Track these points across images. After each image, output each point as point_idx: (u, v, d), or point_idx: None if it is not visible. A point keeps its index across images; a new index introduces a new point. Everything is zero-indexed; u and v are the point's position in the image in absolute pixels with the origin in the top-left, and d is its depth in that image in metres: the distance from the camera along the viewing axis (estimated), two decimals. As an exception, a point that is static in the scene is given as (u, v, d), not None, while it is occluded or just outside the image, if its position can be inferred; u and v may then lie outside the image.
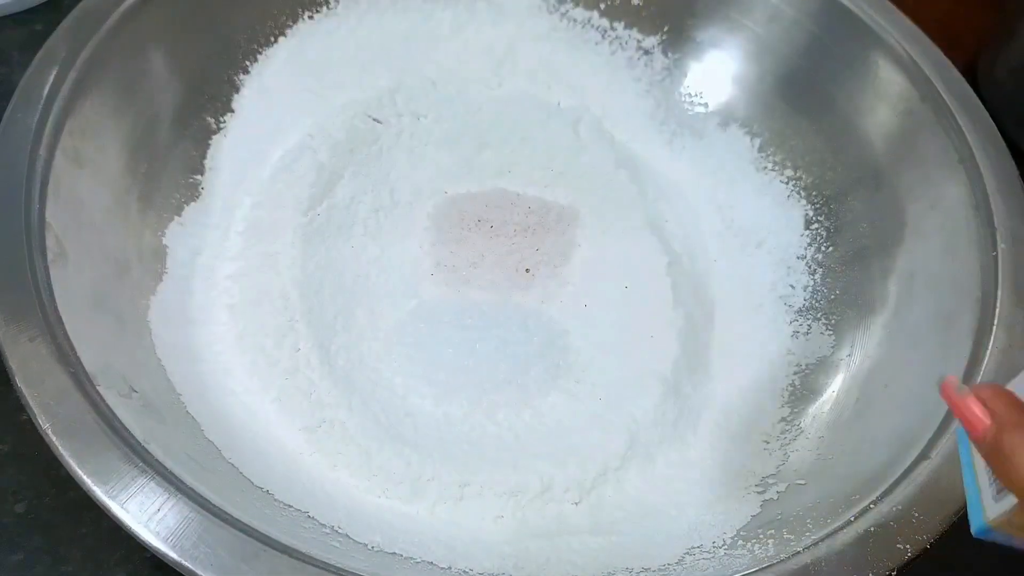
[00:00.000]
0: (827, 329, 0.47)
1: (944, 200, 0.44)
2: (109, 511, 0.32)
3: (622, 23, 0.55)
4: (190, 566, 0.31)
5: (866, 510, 0.35)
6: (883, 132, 0.48)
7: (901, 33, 0.48)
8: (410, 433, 0.42)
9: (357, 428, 0.41)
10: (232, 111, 0.50)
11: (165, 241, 0.45)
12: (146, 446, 0.33)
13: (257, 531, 0.33)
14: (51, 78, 0.42)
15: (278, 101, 0.51)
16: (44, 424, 0.33)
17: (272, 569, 0.32)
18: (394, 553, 0.37)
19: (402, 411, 0.43)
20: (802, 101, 0.52)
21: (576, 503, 0.41)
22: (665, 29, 0.54)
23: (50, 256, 0.37)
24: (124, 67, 0.45)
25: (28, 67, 0.42)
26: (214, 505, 0.33)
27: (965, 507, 0.33)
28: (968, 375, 0.38)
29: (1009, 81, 0.58)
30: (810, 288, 0.49)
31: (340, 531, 0.37)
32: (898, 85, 0.48)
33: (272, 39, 0.52)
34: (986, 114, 0.46)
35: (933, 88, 0.46)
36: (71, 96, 0.42)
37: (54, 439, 0.33)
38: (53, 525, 0.40)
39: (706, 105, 0.55)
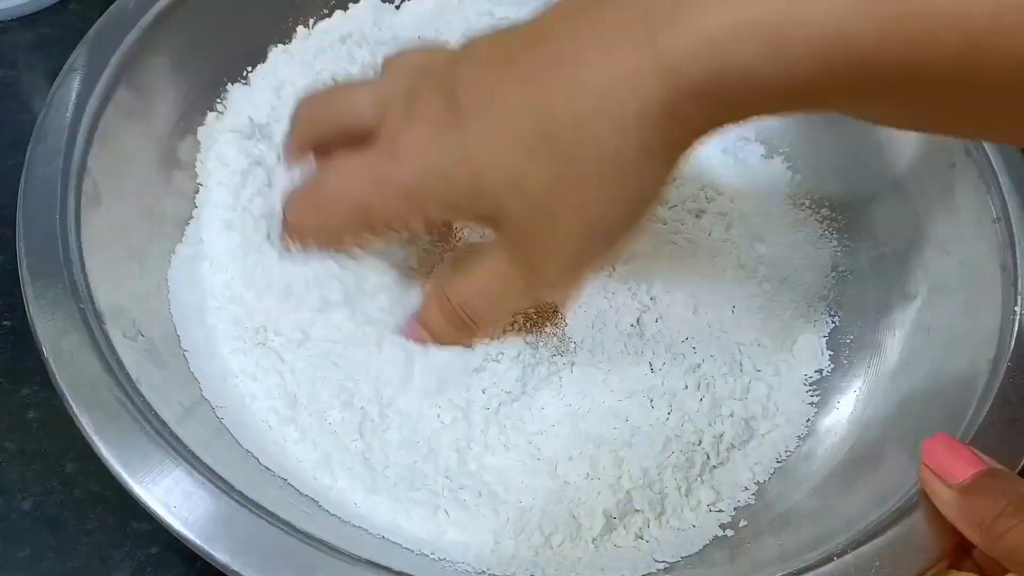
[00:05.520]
0: (836, 370, 0.46)
1: (973, 257, 0.43)
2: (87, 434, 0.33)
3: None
4: (158, 506, 0.33)
5: (829, 558, 0.34)
6: (923, 183, 0.47)
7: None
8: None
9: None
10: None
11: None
12: (137, 385, 0.35)
13: (228, 483, 0.34)
14: (123, 36, 0.44)
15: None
16: (47, 353, 0.35)
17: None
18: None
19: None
20: (849, 144, 0.51)
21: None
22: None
23: (84, 198, 0.40)
24: (189, 28, 0.47)
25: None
26: (194, 456, 0.34)
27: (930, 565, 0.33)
28: (966, 434, 0.37)
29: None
30: (828, 327, 0.48)
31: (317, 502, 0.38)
32: (943, 137, 0.47)
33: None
34: (1027, 172, 0.45)
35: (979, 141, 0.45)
36: (134, 51, 0.44)
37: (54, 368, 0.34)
38: (59, 521, 0.41)
39: (752, 135, 0.54)
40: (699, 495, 0.41)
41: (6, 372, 0.45)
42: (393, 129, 0.36)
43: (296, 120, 0.42)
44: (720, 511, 0.41)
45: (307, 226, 0.40)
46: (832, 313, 0.49)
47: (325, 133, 0.41)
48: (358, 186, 0.37)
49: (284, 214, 0.41)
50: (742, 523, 0.41)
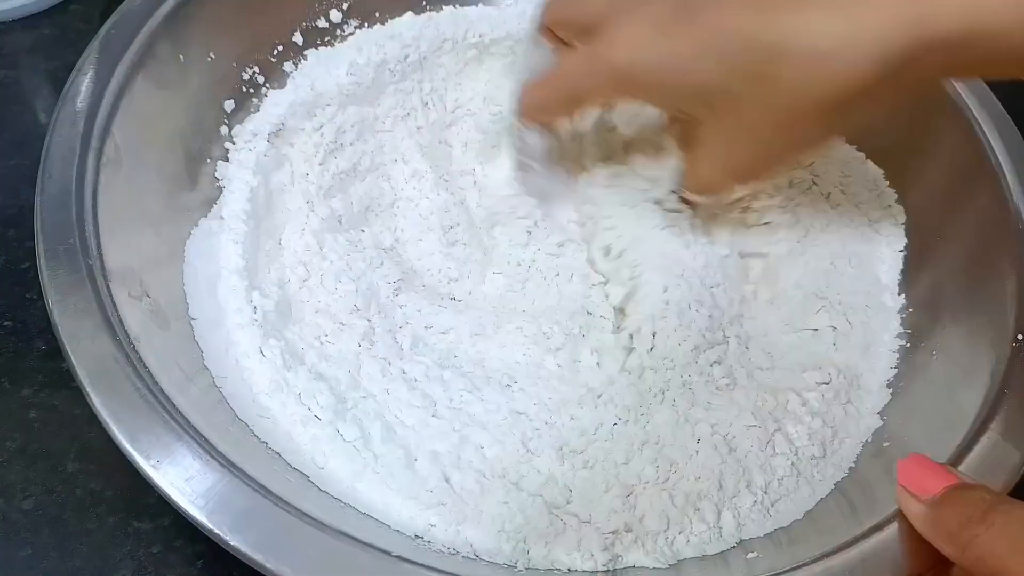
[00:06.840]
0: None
1: (986, 285, 0.43)
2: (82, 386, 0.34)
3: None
4: (142, 459, 0.33)
5: (798, 566, 0.34)
6: (940, 204, 0.47)
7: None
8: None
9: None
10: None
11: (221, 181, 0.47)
12: (135, 343, 0.36)
13: (213, 445, 0.35)
14: (156, 8, 0.45)
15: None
16: (51, 304, 0.36)
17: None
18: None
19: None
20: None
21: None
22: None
23: (104, 159, 0.41)
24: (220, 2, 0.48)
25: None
26: (183, 416, 0.35)
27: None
28: (956, 462, 0.37)
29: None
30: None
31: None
32: (965, 155, 0.46)
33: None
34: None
35: (997, 163, 0.44)
36: (166, 23, 0.45)
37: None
38: (60, 521, 0.42)
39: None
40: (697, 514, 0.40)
41: (6, 372, 0.45)
42: (617, 22, 0.39)
43: (543, 11, 0.46)
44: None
45: (530, 106, 0.45)
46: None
47: (563, 25, 0.45)
48: (574, 69, 0.42)
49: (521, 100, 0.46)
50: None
